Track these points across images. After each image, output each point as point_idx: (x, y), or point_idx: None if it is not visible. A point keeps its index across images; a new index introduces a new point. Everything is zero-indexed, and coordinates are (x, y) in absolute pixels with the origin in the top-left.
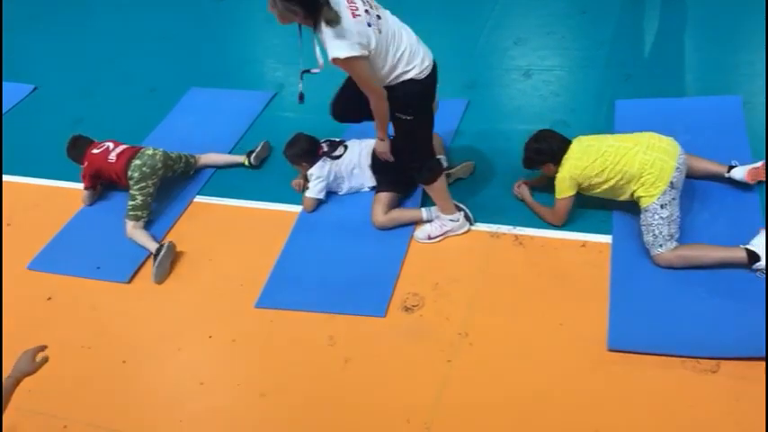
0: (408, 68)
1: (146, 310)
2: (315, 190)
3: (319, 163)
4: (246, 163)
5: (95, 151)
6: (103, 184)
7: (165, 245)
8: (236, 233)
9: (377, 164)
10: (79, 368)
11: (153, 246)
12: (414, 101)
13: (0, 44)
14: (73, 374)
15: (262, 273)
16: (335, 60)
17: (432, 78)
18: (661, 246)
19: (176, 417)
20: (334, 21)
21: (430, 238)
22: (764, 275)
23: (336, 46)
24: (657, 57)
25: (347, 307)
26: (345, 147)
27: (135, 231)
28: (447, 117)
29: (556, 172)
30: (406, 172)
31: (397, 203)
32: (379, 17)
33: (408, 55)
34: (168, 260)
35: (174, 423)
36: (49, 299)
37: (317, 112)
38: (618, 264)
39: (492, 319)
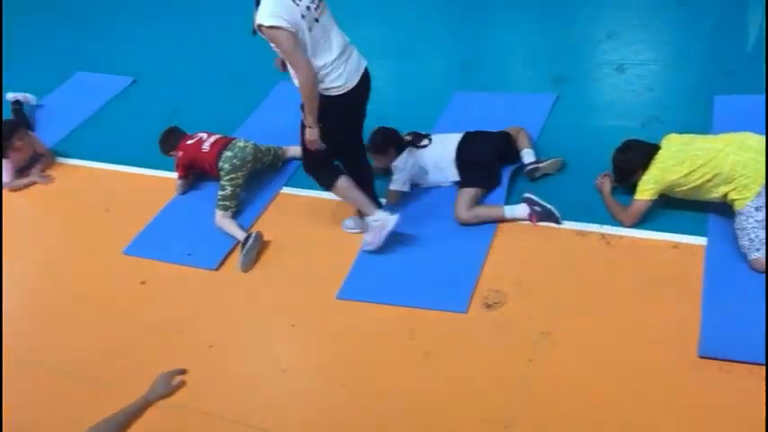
0: (322, 81)
1: (232, 296)
2: (399, 182)
3: (404, 155)
4: None
5: (189, 142)
6: (196, 173)
7: (253, 234)
8: (320, 224)
9: (462, 159)
10: (169, 350)
11: (241, 235)
12: (321, 110)
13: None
14: (164, 357)
15: (345, 265)
16: (260, 27)
17: (345, 100)
18: (758, 250)
19: (259, 402)
20: None
21: (373, 245)
22: None
23: (263, 13)
24: (760, 52)
25: (428, 301)
26: (430, 139)
27: (224, 220)
28: (535, 111)
29: (642, 174)
30: (486, 172)
31: (480, 199)
32: (316, 20)
33: (324, 69)
34: (255, 249)
35: (257, 408)
36: (143, 283)
37: (401, 104)
38: (712, 267)
39: (576, 319)
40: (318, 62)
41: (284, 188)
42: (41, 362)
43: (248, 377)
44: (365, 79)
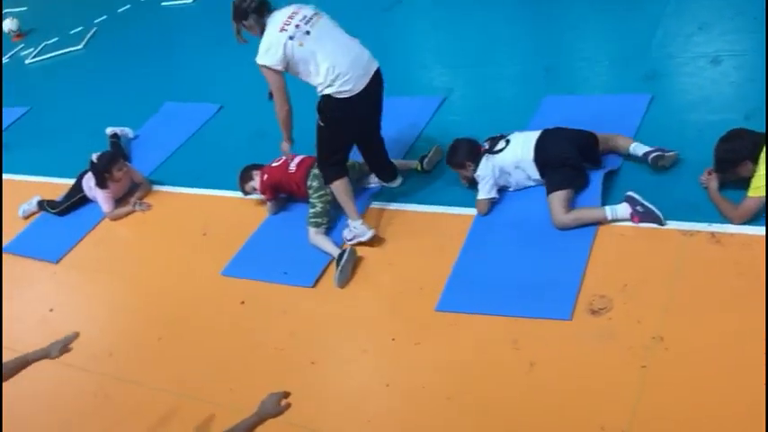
0: (326, 85)
1: (330, 312)
2: (484, 190)
3: (482, 162)
4: (419, 168)
5: (275, 164)
6: (284, 196)
7: (347, 250)
8: (412, 237)
9: (542, 158)
10: (272, 368)
11: (335, 251)
12: (326, 113)
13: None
14: (267, 374)
15: (441, 276)
16: (257, 63)
17: (353, 102)
18: None
19: (364, 417)
20: (259, 32)
21: (346, 240)
22: None
23: (259, 52)
24: None
25: (530, 310)
26: (507, 141)
27: (317, 237)
28: (630, 111)
29: (754, 171)
30: (567, 170)
31: (572, 200)
32: (308, 33)
33: (327, 74)
34: (350, 264)
35: (363, 423)
36: (243, 303)
37: (488, 112)
38: None
39: (689, 323)
40: (323, 65)
41: (373, 203)
42: (146, 382)
43: (352, 393)
44: (376, 81)
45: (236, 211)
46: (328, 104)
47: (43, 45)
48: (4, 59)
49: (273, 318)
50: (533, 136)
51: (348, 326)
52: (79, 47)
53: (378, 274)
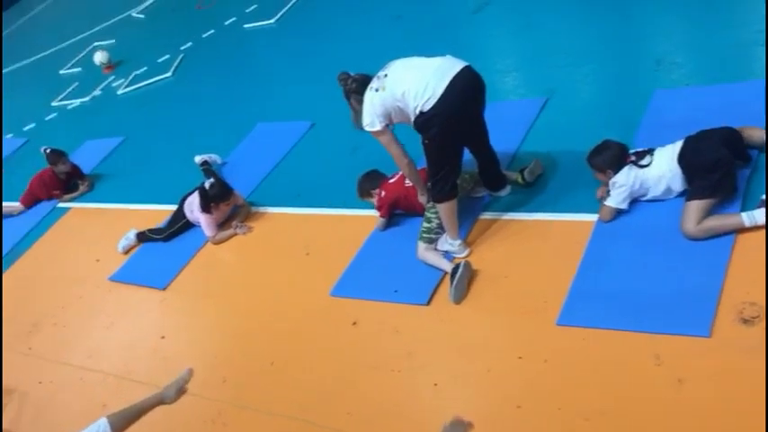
0: (414, 104)
1: (448, 330)
2: (617, 199)
3: (625, 170)
4: (520, 180)
5: (391, 180)
6: (399, 212)
7: (462, 264)
8: (528, 247)
9: (687, 166)
10: (391, 391)
11: (448, 266)
12: (425, 128)
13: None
14: (386, 397)
15: (560, 288)
16: (366, 130)
17: (442, 108)
18: None
19: None
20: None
21: (438, 249)
22: None
23: (363, 118)
24: None
25: (664, 325)
26: (652, 155)
27: (427, 253)
28: (753, 100)
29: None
30: (720, 174)
31: (710, 210)
32: (386, 75)
33: (409, 95)
34: (465, 279)
35: None
36: (355, 323)
37: (599, 109)
38: None
39: None
40: (401, 91)
41: (483, 213)
42: (262, 408)
43: (482, 415)
44: (463, 75)
45: (338, 228)
46: (423, 119)
47: (133, 75)
48: (97, 91)
49: (387, 338)
50: (677, 145)
51: (468, 344)
52: (168, 74)
53: (494, 287)
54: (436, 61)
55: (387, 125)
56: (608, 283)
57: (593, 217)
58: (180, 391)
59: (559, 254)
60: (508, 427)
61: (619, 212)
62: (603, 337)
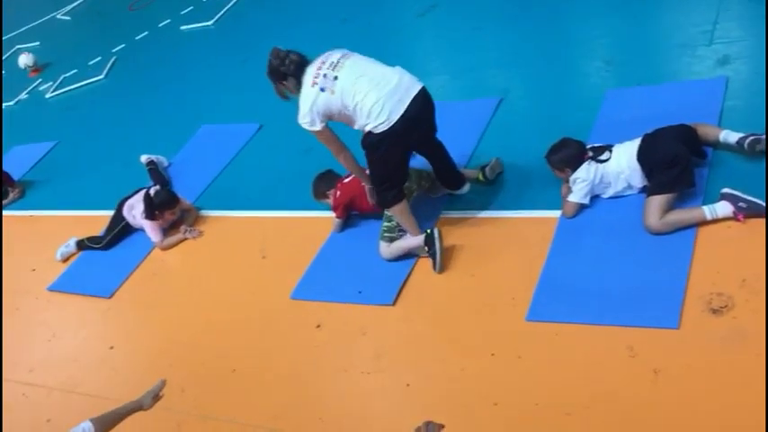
0: (365, 122)
1: (416, 331)
2: (579, 194)
3: (584, 166)
4: (481, 177)
5: (346, 180)
6: (355, 213)
7: (432, 235)
8: (492, 245)
9: (646, 162)
10: (362, 393)
11: (419, 240)
12: (371, 148)
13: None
14: (356, 400)
15: (527, 284)
16: (299, 123)
17: (394, 132)
18: None
19: None
20: (296, 92)
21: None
22: None
23: (300, 113)
24: None
25: (634, 318)
26: (611, 151)
27: (392, 246)
28: (706, 98)
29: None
30: (678, 169)
31: (671, 205)
32: (335, 78)
33: (362, 111)
34: (442, 247)
35: None
36: (319, 326)
37: (551, 110)
38: None
39: None
40: (354, 104)
41: (445, 212)
42: (226, 417)
43: (459, 414)
44: (418, 103)
45: (294, 231)
46: (369, 140)
47: (62, 78)
48: (23, 95)
49: (354, 340)
50: (635, 142)
51: (438, 343)
52: (101, 77)
53: (460, 286)
54: (392, 78)
55: (326, 124)
56: (575, 278)
57: (557, 213)
58: (156, 398)
59: (524, 250)
60: (486, 426)
61: (582, 208)
62: (575, 331)
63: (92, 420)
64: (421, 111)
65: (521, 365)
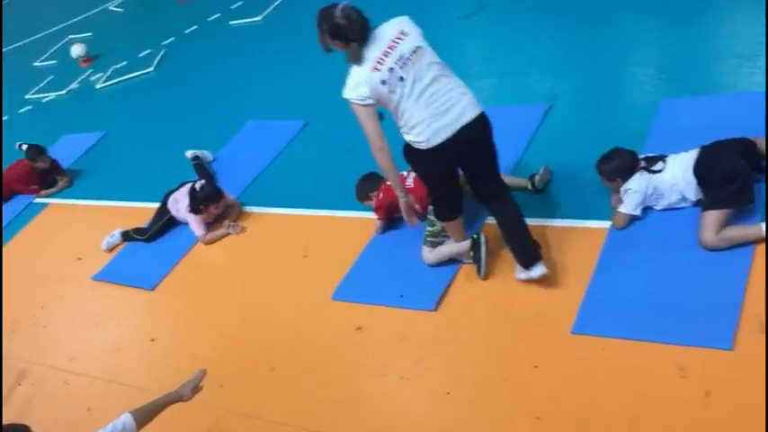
0: (406, 132)
1: (458, 338)
2: (630, 205)
3: (636, 176)
4: (530, 187)
5: (390, 183)
6: (398, 215)
7: (479, 240)
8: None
9: (703, 176)
10: (402, 399)
11: (465, 245)
12: (408, 158)
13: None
14: (396, 405)
15: (573, 296)
16: (344, 97)
17: (433, 154)
18: None
19: None
20: (353, 61)
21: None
22: None
23: (347, 85)
24: None
25: (685, 337)
26: (665, 161)
27: (435, 252)
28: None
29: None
30: (738, 184)
31: (728, 220)
32: (401, 79)
33: (406, 121)
34: (488, 253)
35: None
36: (359, 329)
37: (604, 120)
38: None
39: None
40: (406, 114)
41: (489, 218)
42: (263, 415)
43: (499, 426)
44: (468, 131)
45: (336, 230)
46: (408, 149)
47: (112, 69)
48: (74, 85)
49: (395, 344)
50: (692, 154)
51: (479, 352)
52: (150, 69)
53: (504, 294)
54: (449, 99)
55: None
56: (624, 292)
57: (606, 224)
58: (196, 389)
59: (572, 261)
60: None
61: (633, 219)
62: (623, 346)
63: (131, 413)
64: (472, 138)
65: (565, 379)
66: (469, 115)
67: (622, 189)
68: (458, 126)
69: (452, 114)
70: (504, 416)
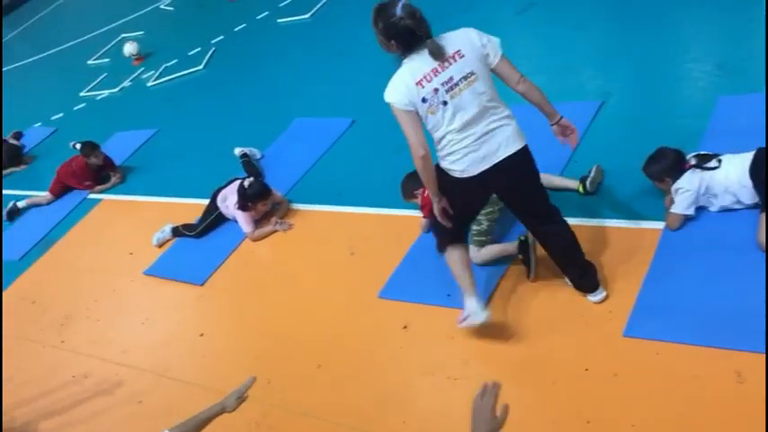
0: (441, 156)
1: (506, 339)
2: (682, 205)
3: (688, 174)
4: (581, 190)
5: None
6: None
7: (527, 244)
8: (589, 255)
9: (760, 177)
10: (447, 399)
11: (512, 247)
12: (440, 185)
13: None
14: (442, 405)
15: (627, 298)
16: (385, 99)
17: (466, 183)
18: None
19: None
20: (396, 60)
21: (458, 320)
22: None
23: (389, 88)
24: None
25: (742, 342)
26: (719, 160)
27: (483, 251)
28: None
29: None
30: None
31: None
32: (444, 103)
33: (443, 147)
34: (536, 257)
35: None
36: (405, 327)
37: (657, 118)
38: None
39: None
40: (443, 140)
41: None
42: (310, 412)
43: (549, 430)
44: (505, 164)
45: (383, 228)
46: (441, 174)
47: (163, 67)
48: (127, 83)
49: (441, 344)
50: (748, 156)
51: (528, 354)
52: (200, 67)
53: (553, 295)
54: (491, 131)
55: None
56: (679, 295)
57: (660, 225)
58: (240, 399)
59: (624, 262)
60: None
61: (687, 220)
62: (678, 351)
63: (170, 430)
64: (507, 172)
65: (617, 383)
66: (511, 148)
67: (673, 189)
68: (496, 159)
69: (491, 146)
70: (554, 420)
